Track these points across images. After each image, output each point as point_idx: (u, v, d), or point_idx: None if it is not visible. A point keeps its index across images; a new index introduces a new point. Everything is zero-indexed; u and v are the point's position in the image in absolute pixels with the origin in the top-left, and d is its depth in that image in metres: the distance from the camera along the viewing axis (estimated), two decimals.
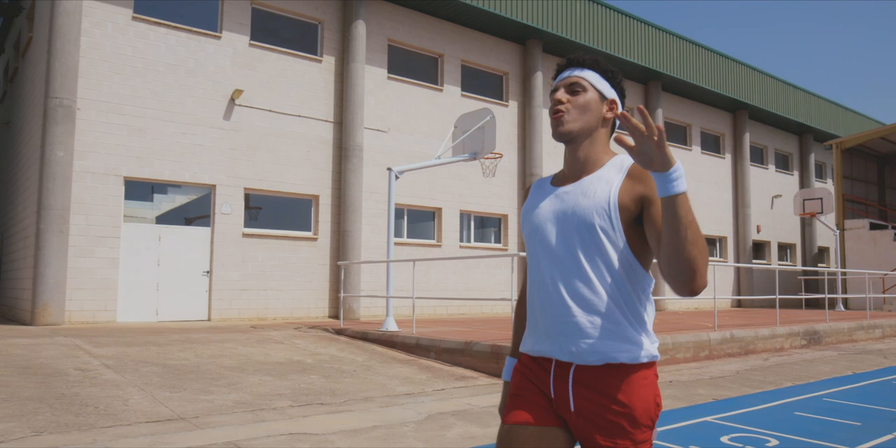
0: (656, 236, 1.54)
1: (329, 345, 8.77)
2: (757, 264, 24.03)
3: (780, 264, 26.11)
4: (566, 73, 1.73)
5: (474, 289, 16.29)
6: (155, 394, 5.48)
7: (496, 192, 17.16)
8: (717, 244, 24.12)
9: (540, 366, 1.66)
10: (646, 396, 1.57)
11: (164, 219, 12.63)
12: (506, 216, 17.45)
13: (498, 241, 17.52)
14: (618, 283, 1.58)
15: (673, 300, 20.16)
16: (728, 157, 24.81)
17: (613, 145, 8.16)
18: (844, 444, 4.39)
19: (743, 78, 24.09)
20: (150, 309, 11.95)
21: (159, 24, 12.36)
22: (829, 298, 18.11)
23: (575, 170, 1.70)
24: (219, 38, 13.06)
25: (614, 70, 1.73)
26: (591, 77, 1.70)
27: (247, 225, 13.19)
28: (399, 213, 15.35)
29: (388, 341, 8.86)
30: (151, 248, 12.08)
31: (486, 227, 17.44)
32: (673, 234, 1.41)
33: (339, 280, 13.90)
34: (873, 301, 19.99)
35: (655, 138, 1.37)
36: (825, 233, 27.73)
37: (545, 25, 17.42)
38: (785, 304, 23.58)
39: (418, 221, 15.93)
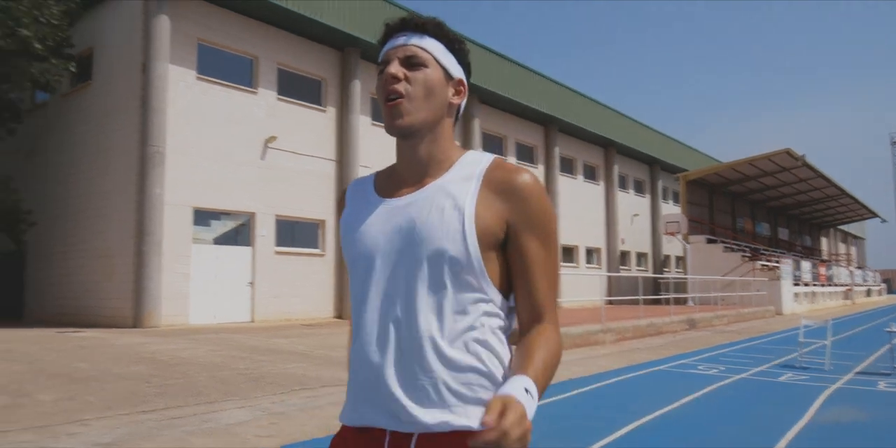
0: (520, 275, 1.20)
1: None
2: (635, 273, 30.19)
3: (638, 270, 32.71)
4: (400, 40, 1.23)
5: None
6: None
7: None
8: (594, 254, 30.05)
9: (368, 441, 1.18)
10: None
11: (218, 240, 15.48)
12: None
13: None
14: (478, 327, 1.16)
15: (564, 300, 25.39)
16: (602, 184, 30.89)
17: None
18: (752, 366, 9.19)
19: (612, 121, 30.28)
20: (209, 313, 14.82)
21: (215, 82, 15.26)
22: (685, 297, 24.25)
23: (415, 173, 1.25)
24: (255, 93, 16.14)
25: (461, 39, 1.27)
26: (433, 48, 1.23)
27: (277, 244, 16.34)
28: None
29: None
30: (210, 265, 14.94)
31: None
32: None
33: (344, 287, 17.51)
34: (710, 297, 26.58)
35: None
36: (668, 244, 34.87)
37: (481, 83, 21.95)
38: (647, 302, 29.95)
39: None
